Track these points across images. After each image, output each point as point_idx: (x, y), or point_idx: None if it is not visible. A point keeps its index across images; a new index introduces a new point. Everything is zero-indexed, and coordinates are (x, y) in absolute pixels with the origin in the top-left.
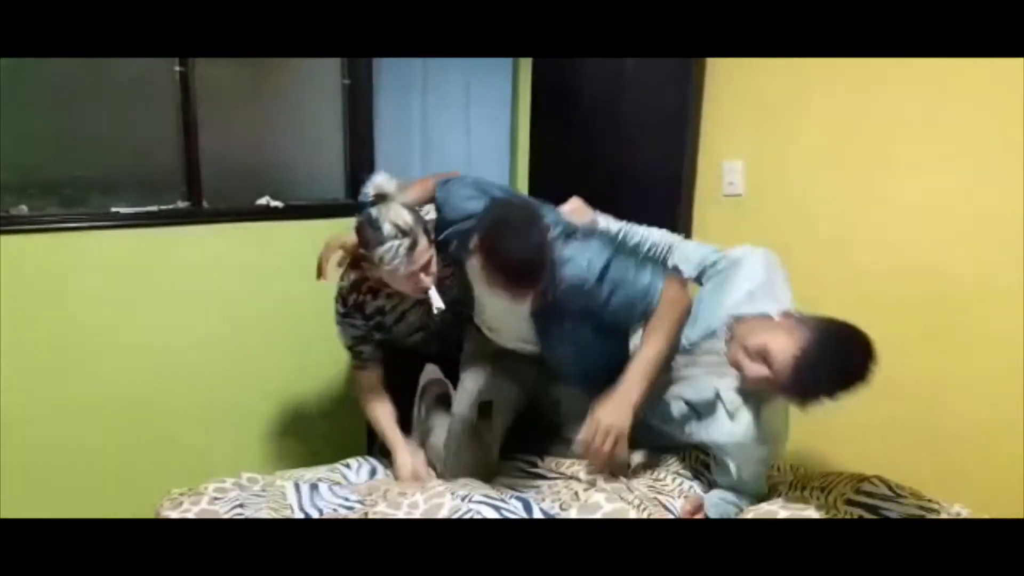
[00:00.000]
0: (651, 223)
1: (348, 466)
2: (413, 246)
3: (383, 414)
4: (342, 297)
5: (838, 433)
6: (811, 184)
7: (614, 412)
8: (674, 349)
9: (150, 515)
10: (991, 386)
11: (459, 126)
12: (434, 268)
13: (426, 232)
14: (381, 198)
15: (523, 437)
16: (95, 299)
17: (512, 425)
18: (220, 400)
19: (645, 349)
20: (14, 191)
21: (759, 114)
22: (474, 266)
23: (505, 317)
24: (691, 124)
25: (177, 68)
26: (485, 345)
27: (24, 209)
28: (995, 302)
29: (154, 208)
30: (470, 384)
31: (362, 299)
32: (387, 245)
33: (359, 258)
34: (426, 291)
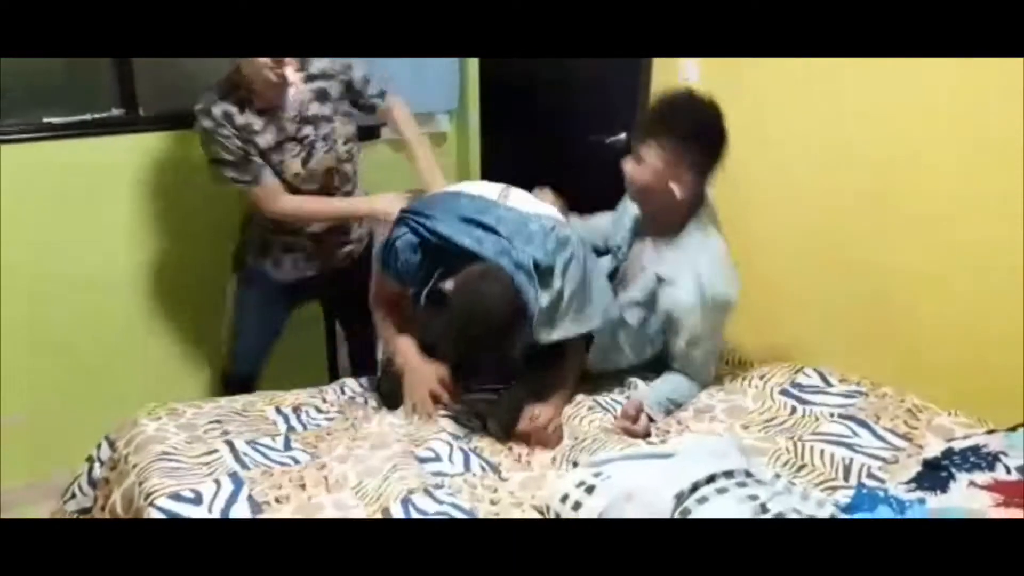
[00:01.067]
0: (603, 119)
1: (324, 393)
2: None
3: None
4: (206, 111)
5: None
6: (767, 76)
7: (552, 412)
8: None
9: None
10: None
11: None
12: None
13: None
14: None
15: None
16: (29, 212)
17: None
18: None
19: (578, 357)
20: None
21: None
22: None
23: None
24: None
25: None
26: None
27: None
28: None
29: (87, 117)
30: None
31: (230, 110)
32: None
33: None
34: (284, 82)
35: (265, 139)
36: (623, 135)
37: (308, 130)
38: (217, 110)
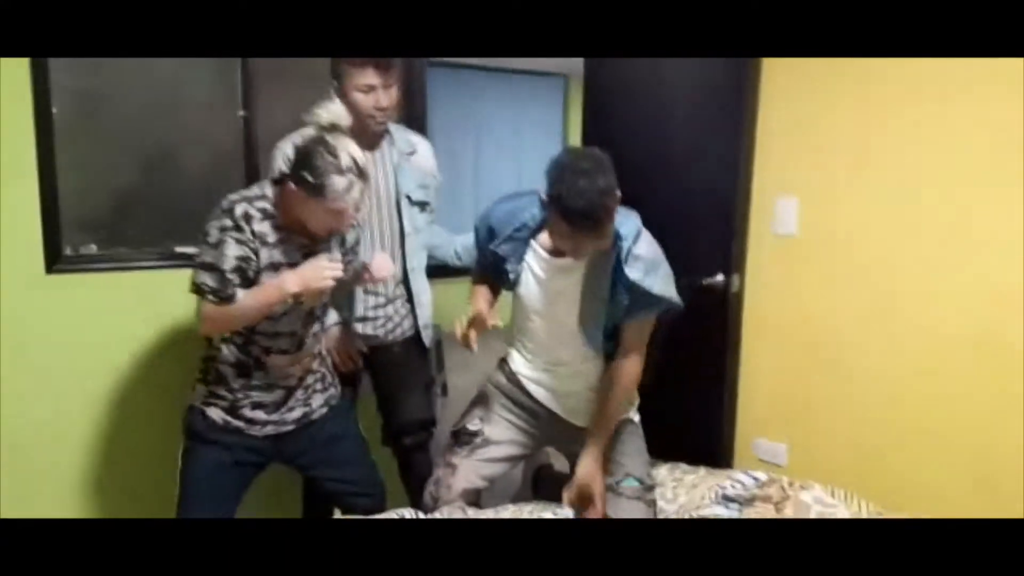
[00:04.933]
0: (701, 260)
1: None
2: (364, 190)
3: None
4: (227, 210)
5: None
6: (868, 226)
7: (595, 473)
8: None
9: None
10: None
11: (509, 160)
12: (354, 218)
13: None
14: (333, 128)
15: None
16: (159, 335)
17: None
18: None
19: (610, 405)
20: (84, 231)
21: (815, 150)
22: (544, 233)
23: (555, 304)
24: (743, 159)
25: (240, 113)
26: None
27: (93, 248)
28: None
29: None
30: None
31: (252, 213)
32: (344, 178)
33: (281, 178)
34: (337, 232)
35: (272, 254)
36: (720, 276)
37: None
38: (239, 209)
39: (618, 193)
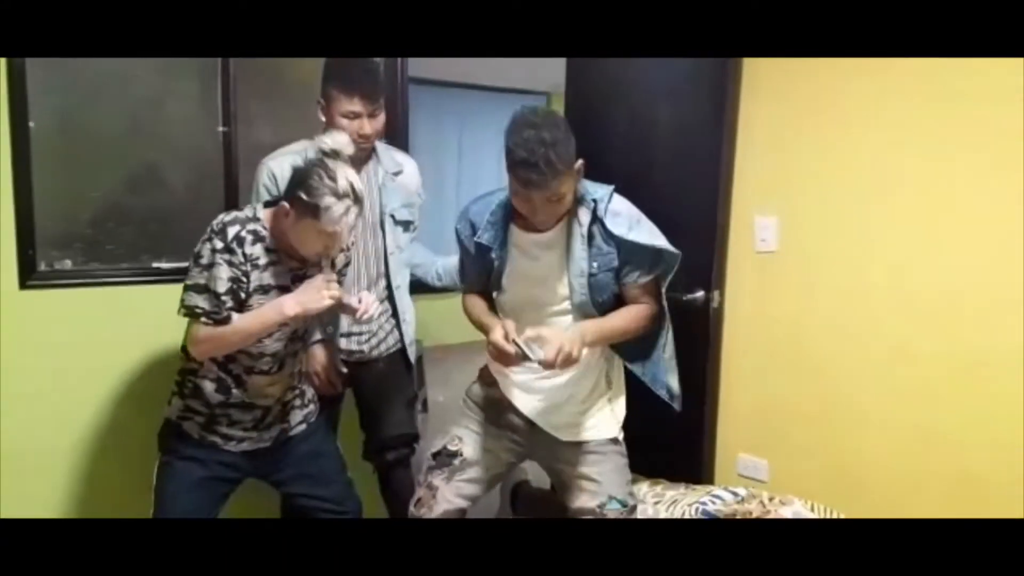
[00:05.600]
0: (682, 277)
1: None
2: (359, 215)
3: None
4: (219, 231)
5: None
6: (847, 242)
7: (571, 341)
8: (623, 339)
9: None
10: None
11: (492, 178)
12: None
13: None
14: (335, 155)
15: None
16: (136, 350)
17: None
18: None
19: (616, 320)
20: (59, 246)
21: (794, 168)
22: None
23: (541, 288)
24: (723, 177)
25: (221, 128)
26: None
27: (68, 264)
28: None
29: None
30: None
31: (244, 235)
32: (340, 202)
33: (275, 200)
34: (327, 256)
35: (262, 277)
36: (700, 292)
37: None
38: (231, 231)
39: (574, 154)
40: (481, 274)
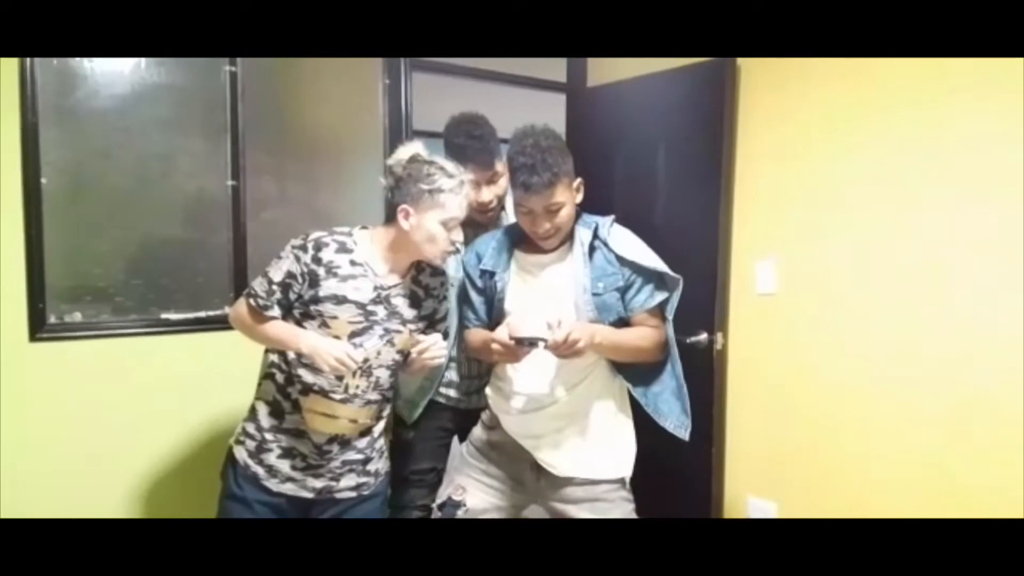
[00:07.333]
0: (685, 319)
1: None
2: (466, 199)
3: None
4: (306, 235)
5: None
6: (846, 283)
7: (582, 331)
8: (632, 358)
9: None
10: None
11: None
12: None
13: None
14: (414, 160)
15: None
16: (145, 401)
17: None
18: None
19: (628, 333)
20: (68, 299)
21: (790, 211)
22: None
23: (541, 282)
24: (723, 222)
25: (229, 183)
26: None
27: (78, 316)
28: None
29: (202, 314)
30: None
31: (327, 241)
32: (454, 180)
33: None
34: (441, 257)
35: (339, 287)
36: (703, 335)
37: (381, 312)
38: (316, 234)
39: (572, 168)
40: (485, 304)
